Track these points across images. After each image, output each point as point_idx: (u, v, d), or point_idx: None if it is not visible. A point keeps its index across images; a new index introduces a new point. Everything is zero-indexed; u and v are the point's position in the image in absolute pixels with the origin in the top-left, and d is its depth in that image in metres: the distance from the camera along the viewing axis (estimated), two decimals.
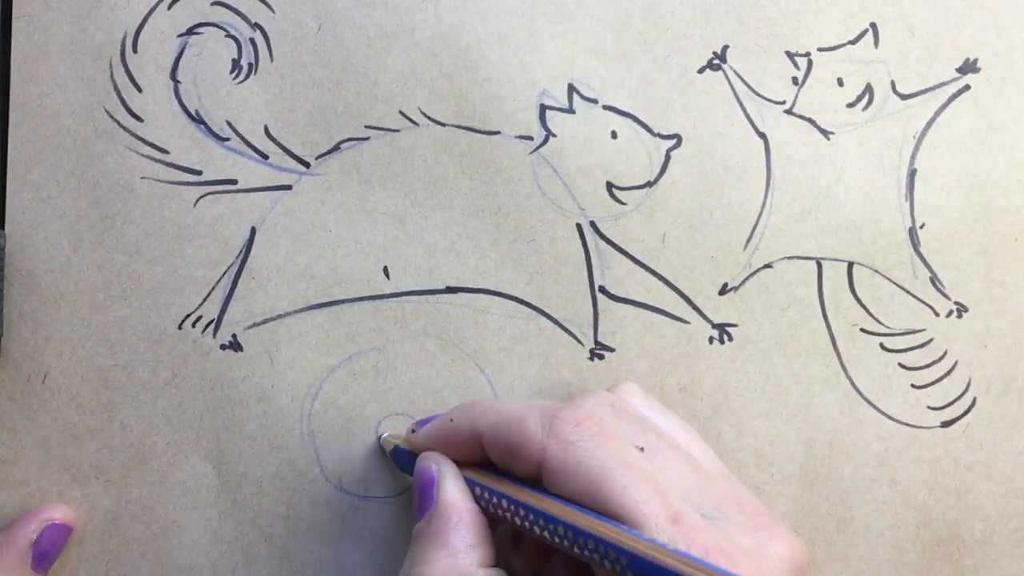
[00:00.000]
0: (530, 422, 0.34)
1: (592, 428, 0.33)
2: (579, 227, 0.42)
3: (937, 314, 0.43)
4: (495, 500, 0.35)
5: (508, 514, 0.34)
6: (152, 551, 0.41)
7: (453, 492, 0.35)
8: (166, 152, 0.41)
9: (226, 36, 0.41)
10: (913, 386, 0.43)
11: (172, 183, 0.41)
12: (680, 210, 0.42)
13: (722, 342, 0.42)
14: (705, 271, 0.42)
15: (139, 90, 0.41)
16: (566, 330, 0.42)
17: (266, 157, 0.41)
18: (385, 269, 0.42)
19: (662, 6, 0.42)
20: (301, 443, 0.41)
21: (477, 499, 0.36)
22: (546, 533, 0.33)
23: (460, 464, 0.37)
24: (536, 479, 0.34)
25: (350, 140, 0.42)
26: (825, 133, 0.42)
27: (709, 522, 0.32)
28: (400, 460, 0.39)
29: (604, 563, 0.31)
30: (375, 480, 0.41)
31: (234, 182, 0.41)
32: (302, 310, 0.41)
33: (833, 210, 0.42)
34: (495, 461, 0.36)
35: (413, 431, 0.38)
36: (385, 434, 0.41)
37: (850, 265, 0.43)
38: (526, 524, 0.33)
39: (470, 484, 0.36)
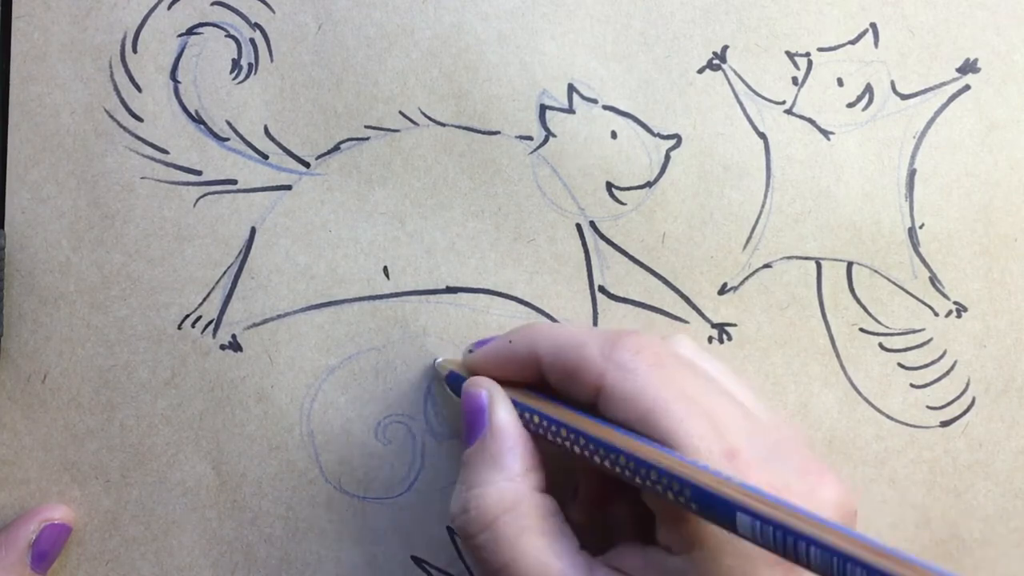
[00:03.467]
0: (591, 347, 0.34)
1: (651, 358, 0.33)
2: (579, 227, 0.42)
3: (936, 314, 0.43)
4: (554, 428, 0.34)
5: (567, 443, 0.34)
6: (152, 551, 0.41)
7: (505, 416, 0.35)
8: (166, 152, 0.41)
9: (226, 36, 0.41)
10: (912, 386, 0.43)
11: (172, 183, 0.41)
12: (680, 210, 0.42)
13: (721, 342, 0.42)
14: (704, 271, 0.42)
15: (139, 90, 0.41)
16: None
17: (266, 157, 0.41)
18: (385, 269, 0.42)
19: (662, 6, 0.42)
20: (301, 443, 0.41)
21: (531, 426, 0.35)
22: (607, 462, 0.32)
23: (515, 386, 0.36)
24: (592, 405, 0.34)
25: (350, 140, 0.42)
26: (825, 133, 0.42)
27: (762, 462, 0.31)
28: (455, 384, 0.39)
29: (668, 494, 0.30)
30: (375, 481, 0.41)
31: (234, 182, 0.41)
32: (302, 310, 0.41)
33: (833, 210, 0.42)
34: (552, 384, 0.35)
35: (470, 351, 0.38)
36: (440, 359, 0.41)
37: (849, 265, 0.43)
38: (586, 453, 0.33)
39: (527, 411, 0.35)
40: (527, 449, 0.35)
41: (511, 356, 0.36)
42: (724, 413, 0.33)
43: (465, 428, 0.36)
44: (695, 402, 0.32)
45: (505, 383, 0.37)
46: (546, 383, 0.36)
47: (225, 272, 0.41)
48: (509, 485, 0.34)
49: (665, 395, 0.32)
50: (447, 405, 0.41)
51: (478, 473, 0.34)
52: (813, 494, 0.32)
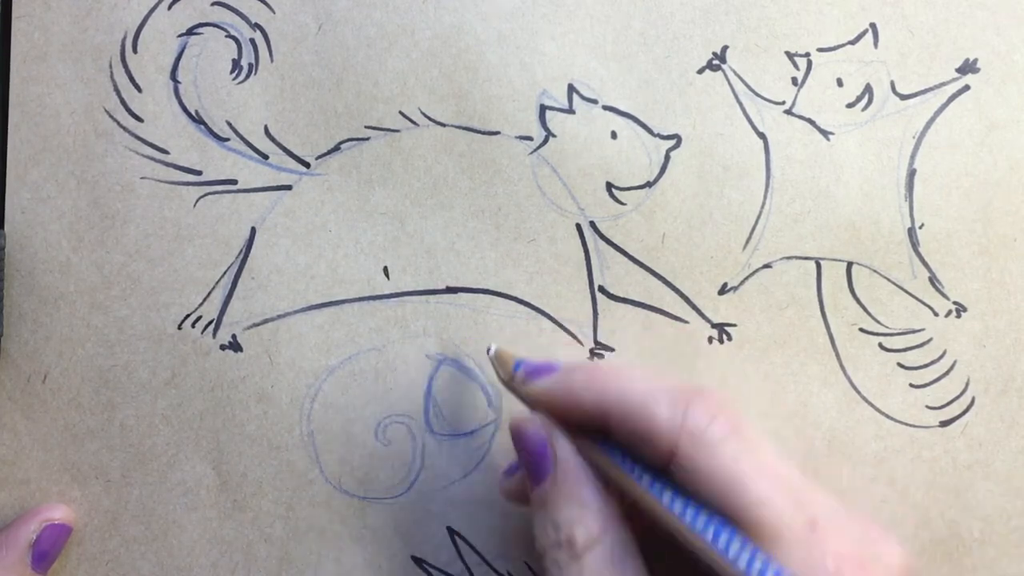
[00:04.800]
0: (661, 408, 0.33)
1: (727, 426, 0.33)
2: (579, 227, 0.42)
3: (936, 314, 0.43)
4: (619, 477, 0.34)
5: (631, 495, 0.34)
6: (152, 551, 0.41)
7: (572, 452, 0.35)
8: (166, 152, 0.41)
9: (226, 36, 0.41)
10: (912, 385, 0.43)
11: (172, 183, 0.41)
12: (680, 210, 0.42)
13: (721, 342, 0.42)
14: (704, 271, 0.42)
15: (139, 90, 0.41)
16: (566, 330, 0.42)
17: (266, 157, 0.41)
18: (385, 269, 0.42)
19: (662, 6, 0.42)
20: (301, 443, 0.41)
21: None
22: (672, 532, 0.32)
23: (580, 434, 0.36)
24: (664, 464, 0.33)
25: (350, 140, 0.42)
26: (825, 133, 0.42)
27: (838, 530, 0.31)
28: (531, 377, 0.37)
29: None
30: (375, 481, 0.41)
31: (234, 182, 0.41)
32: (302, 310, 0.41)
33: (832, 210, 0.42)
34: (619, 440, 0.35)
35: (518, 370, 0.37)
36: (495, 347, 0.39)
37: (849, 265, 0.43)
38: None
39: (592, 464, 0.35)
40: (598, 482, 0.35)
41: (574, 404, 0.35)
42: (797, 480, 0.32)
43: (529, 468, 0.36)
44: (774, 473, 0.32)
45: (567, 427, 0.36)
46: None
47: (225, 272, 0.41)
48: (594, 519, 0.34)
49: (746, 470, 0.32)
50: (447, 405, 0.41)
51: (560, 510, 0.34)
52: (881, 560, 0.32)
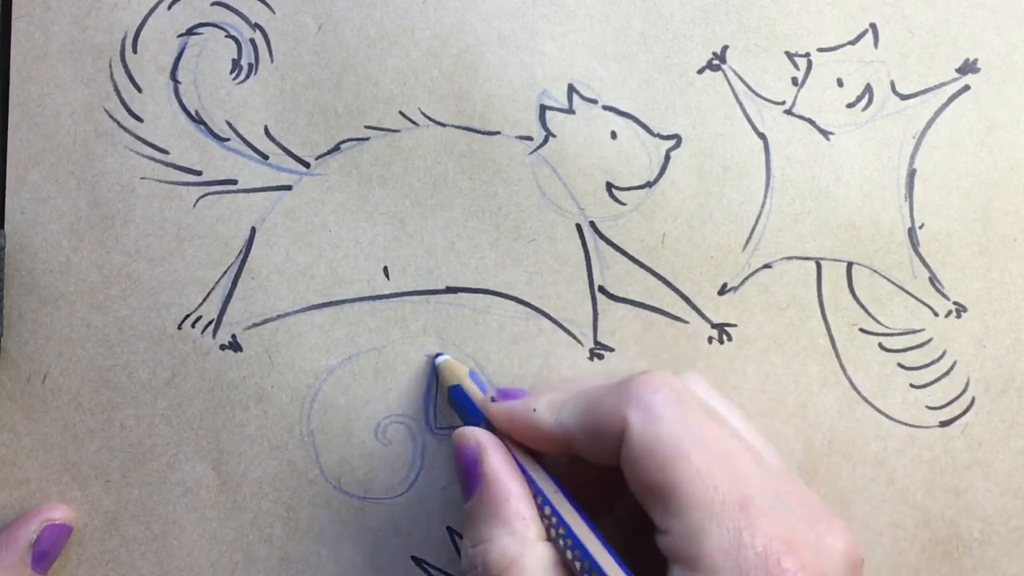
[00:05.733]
0: (608, 395, 0.34)
1: (669, 394, 0.34)
2: (579, 227, 0.42)
3: (936, 314, 0.43)
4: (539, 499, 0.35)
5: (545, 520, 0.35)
6: (152, 551, 0.41)
7: (499, 466, 0.35)
8: (166, 152, 0.41)
9: (226, 36, 0.41)
10: (912, 386, 0.43)
11: (172, 183, 0.41)
12: (680, 210, 0.42)
13: (721, 342, 0.42)
14: (704, 271, 0.42)
15: (139, 90, 0.41)
16: (566, 330, 0.42)
17: (266, 157, 0.41)
18: (385, 269, 0.42)
19: (662, 6, 0.42)
20: (301, 443, 0.41)
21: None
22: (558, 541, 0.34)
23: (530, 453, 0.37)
24: (616, 466, 0.34)
25: (350, 140, 0.42)
26: (825, 133, 0.42)
27: (772, 511, 0.32)
28: (456, 400, 0.39)
29: None
30: (375, 481, 0.41)
31: (234, 182, 0.41)
32: (302, 310, 0.41)
33: (832, 210, 0.42)
34: (581, 453, 0.35)
35: (493, 399, 0.38)
36: (441, 356, 0.41)
37: (849, 265, 0.43)
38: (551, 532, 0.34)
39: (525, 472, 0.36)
40: (525, 497, 0.35)
41: (534, 424, 0.36)
42: (738, 459, 0.33)
43: (460, 481, 0.37)
44: (713, 448, 0.32)
45: (524, 448, 0.37)
46: (573, 455, 0.36)
47: (225, 272, 0.41)
48: (511, 539, 0.34)
49: (685, 441, 0.32)
50: (447, 405, 0.41)
51: (478, 529, 0.35)
52: (821, 542, 0.32)
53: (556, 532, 0.34)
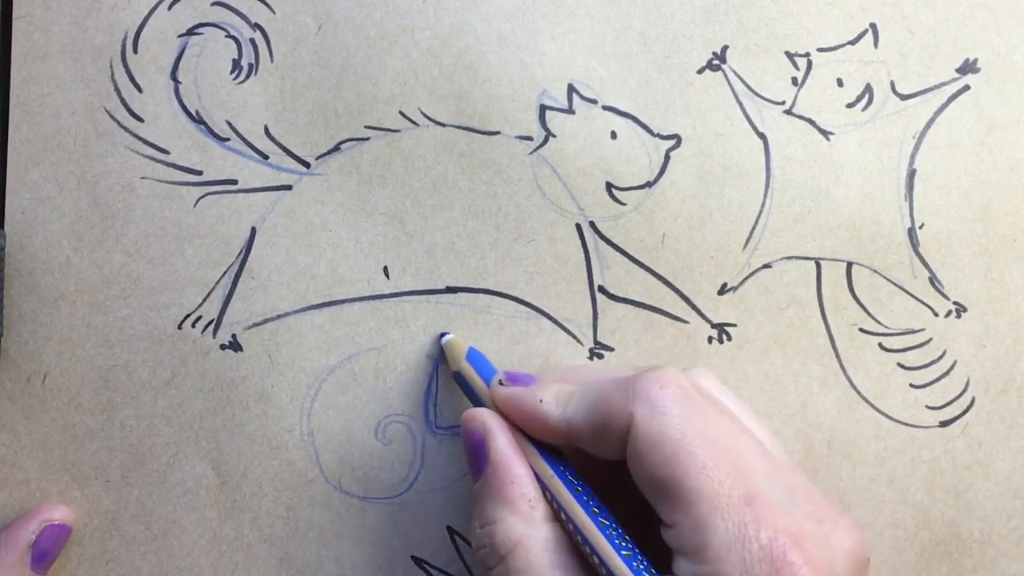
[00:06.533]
0: (615, 391, 0.34)
1: (676, 391, 0.34)
2: (579, 227, 0.42)
3: (936, 314, 0.43)
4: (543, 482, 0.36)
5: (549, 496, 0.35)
6: (152, 551, 0.41)
7: (505, 448, 0.36)
8: (166, 152, 0.41)
9: (226, 36, 0.41)
10: (912, 386, 0.43)
11: (172, 183, 0.41)
12: (679, 210, 0.42)
13: (721, 342, 0.42)
14: (704, 271, 0.42)
15: (139, 90, 0.41)
16: (566, 330, 0.42)
17: (266, 157, 0.41)
18: (385, 269, 0.42)
19: (662, 6, 0.42)
20: (301, 443, 0.41)
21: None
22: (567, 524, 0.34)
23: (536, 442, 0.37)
24: (622, 460, 0.34)
25: (350, 140, 0.42)
26: (825, 133, 0.42)
27: (779, 507, 0.32)
28: (464, 382, 0.39)
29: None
30: (375, 481, 0.41)
31: (234, 182, 0.41)
32: (302, 310, 0.41)
33: (832, 210, 0.42)
34: (586, 447, 0.35)
35: (501, 382, 0.38)
36: (450, 335, 0.41)
37: (849, 265, 0.43)
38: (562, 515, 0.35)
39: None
40: (531, 480, 0.35)
41: (540, 416, 0.36)
42: (745, 454, 0.33)
43: (469, 463, 0.37)
44: (718, 444, 0.33)
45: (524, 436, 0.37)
46: (577, 448, 0.36)
47: (225, 272, 0.41)
48: (517, 520, 0.34)
49: (691, 437, 0.32)
50: (447, 404, 0.41)
51: (486, 510, 0.35)
52: (827, 540, 0.32)
53: (564, 514, 0.34)
